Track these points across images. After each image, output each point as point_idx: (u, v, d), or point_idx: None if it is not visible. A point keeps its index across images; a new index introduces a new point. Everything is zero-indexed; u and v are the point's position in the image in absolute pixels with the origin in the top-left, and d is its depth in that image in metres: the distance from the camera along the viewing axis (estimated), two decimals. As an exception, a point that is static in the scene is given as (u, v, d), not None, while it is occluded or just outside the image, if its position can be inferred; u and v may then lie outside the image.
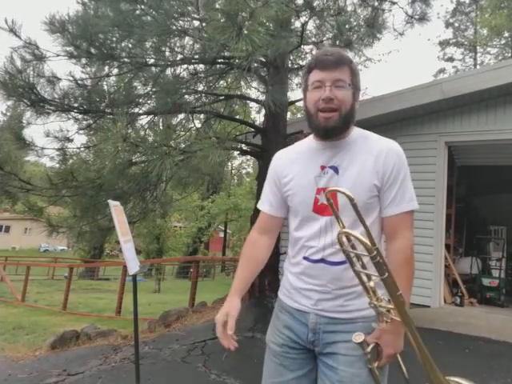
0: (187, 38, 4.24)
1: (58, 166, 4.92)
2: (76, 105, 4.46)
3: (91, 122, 4.69)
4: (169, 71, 4.64)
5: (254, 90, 7.39)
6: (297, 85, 8.09)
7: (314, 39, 5.27)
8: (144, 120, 5.09)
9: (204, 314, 5.30)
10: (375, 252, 0.98)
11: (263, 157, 5.02)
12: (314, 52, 5.43)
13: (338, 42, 4.46)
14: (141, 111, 4.82)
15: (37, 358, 4.23)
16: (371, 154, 1.21)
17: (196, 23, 3.89)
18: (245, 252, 1.40)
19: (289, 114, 5.53)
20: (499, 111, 4.64)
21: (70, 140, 4.77)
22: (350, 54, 5.10)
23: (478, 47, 20.20)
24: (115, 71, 4.68)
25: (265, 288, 4.80)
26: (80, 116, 4.60)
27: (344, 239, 1.07)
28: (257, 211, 1.49)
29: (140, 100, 4.76)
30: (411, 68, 58.25)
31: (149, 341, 4.19)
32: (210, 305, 6.11)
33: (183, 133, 5.73)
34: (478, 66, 19.12)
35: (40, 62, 4.19)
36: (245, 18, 2.65)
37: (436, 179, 4.85)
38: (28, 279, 10.74)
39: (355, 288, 1.18)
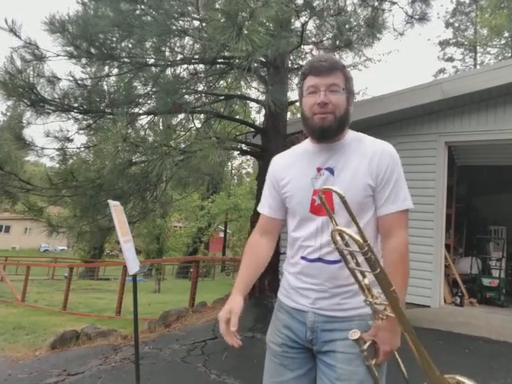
0: (187, 38, 4.24)
1: (58, 165, 4.92)
2: (76, 105, 4.46)
3: (91, 121, 4.69)
4: (169, 71, 4.64)
5: (254, 89, 7.39)
6: (297, 85, 8.08)
7: (314, 39, 5.27)
8: (144, 120, 5.09)
9: (204, 314, 5.30)
10: (366, 248, 1.01)
11: (263, 157, 5.02)
12: (314, 52, 5.44)
13: (337, 42, 4.47)
14: (141, 111, 4.82)
15: (37, 358, 4.23)
16: (365, 156, 1.25)
17: (196, 23, 3.89)
18: (246, 254, 1.42)
19: (289, 114, 5.53)
20: (499, 111, 4.64)
21: (70, 140, 4.77)
22: (350, 54, 5.11)
23: (478, 47, 20.20)
24: (115, 71, 4.68)
25: (265, 288, 4.80)
26: (80, 116, 4.60)
27: (338, 237, 1.10)
28: (257, 211, 1.51)
29: (140, 100, 4.76)
30: (411, 68, 58.36)
31: (149, 341, 4.19)
32: (210, 305, 6.11)
33: (183, 133, 5.73)
34: (478, 66, 19.13)
35: (40, 62, 4.19)
36: (245, 18, 2.65)
37: (436, 179, 4.85)
38: (28, 279, 10.74)
39: (352, 287, 1.20)
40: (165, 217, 15.37)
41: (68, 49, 4.11)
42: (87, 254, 24.33)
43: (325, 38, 5.09)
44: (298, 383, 1.30)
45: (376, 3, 4.88)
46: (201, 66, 4.77)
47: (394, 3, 4.92)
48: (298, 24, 4.50)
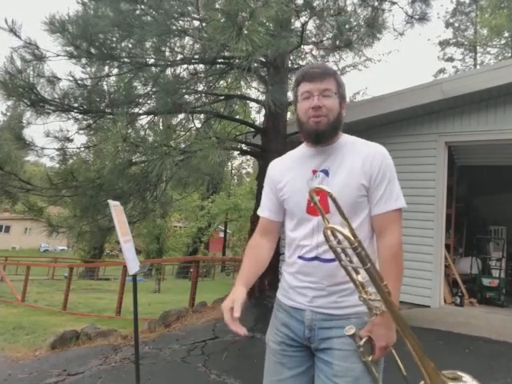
0: (187, 38, 4.24)
1: (58, 165, 4.93)
2: (76, 105, 4.47)
3: (91, 121, 4.69)
4: (169, 71, 4.64)
5: (254, 89, 7.40)
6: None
7: (314, 39, 5.27)
8: (144, 120, 5.10)
9: (204, 314, 5.30)
10: (356, 243, 1.06)
11: (263, 157, 5.02)
12: (314, 52, 5.44)
13: (337, 42, 4.47)
14: (141, 111, 4.83)
15: (37, 358, 4.23)
16: (359, 158, 1.29)
17: (196, 23, 3.90)
18: (247, 254, 1.45)
19: (289, 114, 5.52)
20: (499, 111, 4.64)
21: (70, 140, 4.77)
22: (350, 54, 5.11)
23: (478, 47, 20.19)
24: (115, 71, 4.69)
25: (265, 288, 4.80)
26: (80, 116, 4.60)
27: (331, 236, 1.13)
28: (257, 212, 1.55)
29: (140, 100, 4.76)
30: (411, 68, 58.23)
31: (149, 341, 4.19)
32: (209, 305, 6.10)
33: (183, 133, 5.73)
34: (478, 66, 19.13)
35: (40, 62, 4.19)
36: (245, 18, 2.65)
37: (436, 179, 4.85)
38: (28, 279, 10.74)
39: (349, 285, 1.22)
40: (165, 217, 15.38)
41: (68, 49, 4.11)
42: (87, 254, 24.33)
43: (325, 38, 5.09)
44: (296, 381, 1.32)
45: (376, 3, 4.88)
46: (201, 66, 4.78)
47: (394, 3, 4.92)
48: (298, 24, 4.51)
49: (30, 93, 4.03)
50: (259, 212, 1.50)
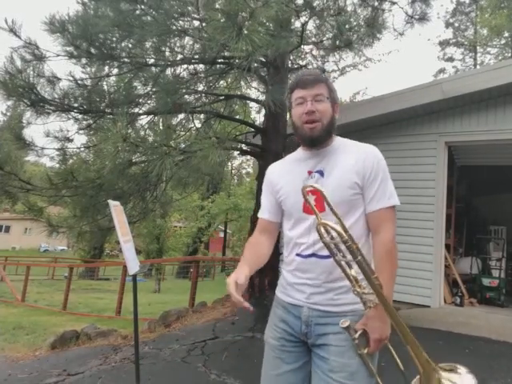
0: (187, 38, 4.24)
1: (58, 165, 4.93)
2: (76, 105, 4.47)
3: (91, 121, 4.69)
4: (169, 71, 4.64)
5: (254, 89, 7.41)
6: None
7: (314, 39, 5.28)
8: (144, 120, 5.10)
9: (204, 314, 5.30)
10: (346, 237, 1.11)
11: (263, 157, 5.02)
12: (314, 52, 5.44)
13: (337, 42, 4.47)
14: (141, 111, 4.82)
15: (37, 357, 4.23)
16: (352, 158, 1.35)
17: (196, 23, 3.90)
18: (247, 248, 1.48)
19: (289, 114, 5.49)
20: (499, 111, 4.64)
21: (70, 140, 4.77)
22: (350, 54, 5.11)
23: (478, 47, 20.18)
24: (115, 71, 4.69)
25: (265, 288, 4.80)
26: (80, 116, 4.60)
27: (324, 232, 1.18)
28: (257, 212, 1.59)
29: (140, 100, 4.76)
30: (411, 68, 58.19)
31: (149, 341, 4.19)
32: (209, 305, 6.10)
33: (183, 133, 5.73)
34: (478, 66, 19.12)
35: (40, 62, 4.19)
36: (245, 18, 2.65)
37: (436, 179, 4.85)
38: (28, 279, 10.74)
39: (345, 282, 1.25)
40: (165, 217, 15.36)
41: (68, 49, 4.11)
42: (87, 254, 24.32)
43: (325, 38, 5.09)
44: (293, 376, 1.36)
45: (376, 3, 4.88)
46: (201, 66, 4.78)
47: (394, 3, 4.92)
48: (298, 24, 4.51)
49: (30, 93, 4.03)
50: (259, 215, 1.55)
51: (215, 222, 23.36)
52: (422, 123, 5.07)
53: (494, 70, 4.64)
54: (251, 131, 5.72)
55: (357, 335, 1.20)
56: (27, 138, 4.47)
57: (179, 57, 4.48)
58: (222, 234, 30.11)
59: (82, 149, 5.15)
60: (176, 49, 4.46)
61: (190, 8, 3.68)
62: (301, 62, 5.86)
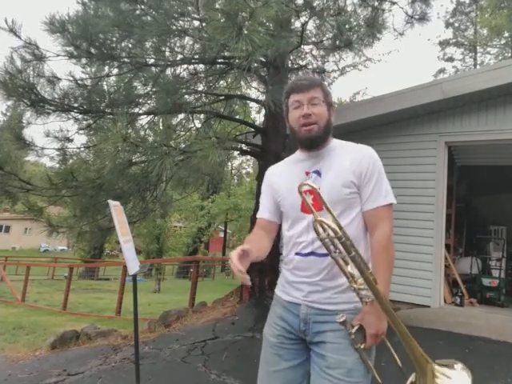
0: (187, 38, 4.24)
1: (58, 165, 4.93)
2: (76, 105, 4.47)
3: (91, 121, 4.69)
4: (169, 71, 4.64)
5: (254, 89, 7.40)
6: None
7: (314, 39, 5.27)
8: (144, 120, 5.10)
9: (204, 314, 5.30)
10: (340, 233, 1.17)
11: (263, 157, 5.02)
12: (314, 52, 5.44)
13: (337, 42, 4.47)
14: (141, 111, 4.83)
15: (37, 358, 4.23)
16: (348, 158, 1.39)
17: (196, 23, 3.90)
18: (248, 240, 1.45)
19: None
20: (499, 111, 4.64)
21: (70, 140, 4.77)
22: (350, 54, 5.11)
23: (478, 47, 20.17)
24: (115, 71, 4.69)
25: (265, 288, 4.80)
26: (80, 116, 4.60)
27: (321, 230, 1.23)
28: (256, 211, 1.61)
29: (140, 100, 4.76)
30: (411, 68, 58.18)
31: (149, 341, 4.19)
32: (209, 305, 6.10)
33: (183, 133, 5.73)
34: (478, 66, 19.11)
35: (40, 62, 4.19)
36: (245, 18, 2.65)
37: (436, 179, 4.85)
38: (28, 279, 10.74)
39: (343, 281, 1.28)
40: (165, 217, 15.35)
41: (68, 49, 4.11)
42: (87, 254, 24.32)
43: (325, 38, 5.09)
44: (292, 372, 1.38)
45: (376, 3, 4.88)
46: (201, 66, 4.78)
47: (394, 3, 4.92)
48: (298, 24, 4.51)
49: (30, 93, 4.03)
50: (259, 215, 1.56)
51: (215, 222, 23.36)
52: (421, 123, 5.06)
53: (493, 69, 4.64)
54: (251, 131, 5.72)
55: (353, 330, 1.23)
56: (27, 137, 4.47)
57: (179, 57, 4.48)
58: (222, 234, 30.12)
59: (82, 149, 5.16)
60: (176, 49, 4.46)
61: (190, 8, 3.68)
62: (301, 62, 5.86)
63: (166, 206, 6.03)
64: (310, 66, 5.75)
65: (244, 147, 5.38)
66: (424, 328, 4.06)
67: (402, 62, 59.36)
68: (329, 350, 1.29)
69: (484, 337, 3.91)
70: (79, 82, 4.45)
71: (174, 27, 3.81)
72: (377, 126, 5.25)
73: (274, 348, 1.41)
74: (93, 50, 4.10)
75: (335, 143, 1.46)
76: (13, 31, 3.94)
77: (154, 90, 4.51)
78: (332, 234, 1.19)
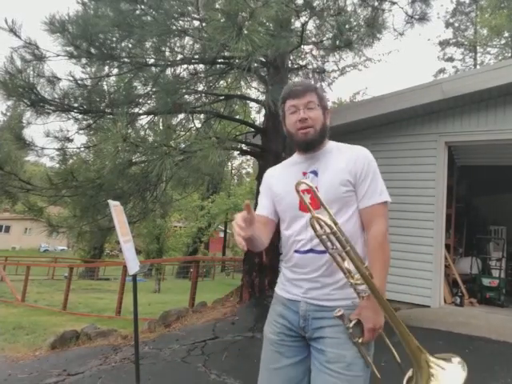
0: (187, 38, 4.24)
1: (58, 165, 4.93)
2: (76, 105, 4.47)
3: (91, 121, 4.69)
4: (169, 71, 4.64)
5: (254, 89, 7.40)
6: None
7: (314, 39, 5.27)
8: (144, 120, 5.10)
9: (204, 314, 5.30)
10: (335, 228, 1.22)
11: (263, 157, 5.02)
12: (314, 52, 5.44)
13: (337, 42, 4.46)
14: (141, 111, 4.82)
15: (37, 357, 4.23)
16: (344, 159, 1.44)
17: (196, 23, 3.90)
18: None
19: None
20: (499, 111, 4.63)
21: (70, 140, 4.77)
22: (350, 54, 5.11)
23: (478, 47, 20.17)
24: (115, 71, 4.69)
25: (265, 288, 4.80)
26: (80, 116, 4.60)
27: (318, 227, 1.27)
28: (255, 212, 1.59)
29: (140, 100, 4.76)
30: (411, 68, 58.15)
31: (149, 341, 4.19)
32: (209, 305, 6.10)
33: (183, 133, 5.73)
34: (478, 66, 19.11)
35: (40, 62, 4.19)
36: (245, 18, 2.65)
37: (436, 179, 4.85)
38: (28, 279, 10.74)
39: (341, 277, 1.32)
40: (165, 217, 15.34)
41: (68, 49, 4.11)
42: (87, 254, 24.31)
43: (325, 38, 5.09)
44: (293, 369, 1.40)
45: (376, 3, 4.88)
46: (201, 66, 4.78)
47: (394, 3, 4.92)
48: (298, 24, 4.51)
49: (30, 93, 4.03)
50: (257, 212, 1.57)
51: (215, 222, 23.37)
52: (421, 123, 5.06)
53: (493, 69, 4.64)
54: (251, 131, 5.72)
55: (351, 324, 1.26)
56: (27, 137, 4.47)
57: (179, 57, 4.48)
58: (222, 234, 30.11)
59: (82, 149, 5.16)
60: (176, 49, 4.46)
61: (190, 8, 3.68)
62: (301, 62, 5.85)
63: (166, 206, 6.03)
64: (310, 66, 5.75)
65: (244, 147, 5.38)
66: (424, 328, 4.06)
67: (402, 62, 59.33)
68: (328, 344, 1.32)
69: (484, 337, 3.91)
70: (79, 82, 4.45)
71: (174, 27, 3.81)
72: (377, 126, 5.25)
73: (275, 345, 1.43)
74: (93, 50, 4.10)
75: (331, 145, 1.51)
76: (13, 31, 3.94)
77: (154, 89, 4.51)
78: (328, 230, 1.23)
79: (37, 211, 4.63)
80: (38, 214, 4.66)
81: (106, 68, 4.67)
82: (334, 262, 1.30)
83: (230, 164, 25.14)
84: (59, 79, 4.33)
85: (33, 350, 4.61)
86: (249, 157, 8.86)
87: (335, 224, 1.23)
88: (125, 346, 4.24)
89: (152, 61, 4.53)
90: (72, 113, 4.51)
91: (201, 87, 5.09)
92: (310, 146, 1.46)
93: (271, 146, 4.94)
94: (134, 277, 3.03)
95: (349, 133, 5.14)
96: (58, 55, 4.16)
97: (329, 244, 1.27)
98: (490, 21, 17.12)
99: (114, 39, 4.23)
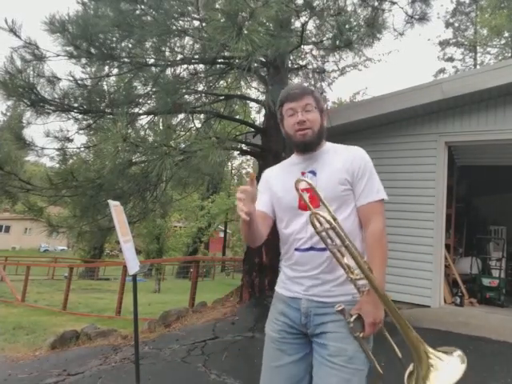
0: (187, 38, 4.24)
1: (58, 165, 4.93)
2: (76, 105, 4.46)
3: (91, 121, 4.69)
4: (169, 71, 4.64)
5: (254, 89, 7.40)
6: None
7: (314, 39, 5.27)
8: (144, 120, 5.09)
9: (204, 314, 5.30)
10: (334, 223, 1.25)
11: (263, 157, 5.02)
12: (314, 52, 5.44)
13: (337, 42, 4.46)
14: (141, 111, 4.82)
15: (37, 357, 4.23)
16: (341, 159, 1.48)
17: (196, 23, 3.90)
18: None
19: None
20: (499, 111, 4.63)
21: (70, 140, 4.77)
22: (350, 54, 5.10)
23: (478, 47, 20.15)
24: (115, 71, 4.68)
25: (265, 288, 4.81)
26: (80, 116, 4.60)
27: (317, 223, 1.31)
28: None
29: (140, 100, 4.76)
30: (411, 68, 58.13)
31: (149, 341, 4.19)
32: (210, 305, 6.10)
33: (183, 133, 5.73)
34: (478, 66, 19.11)
35: (40, 62, 4.19)
36: (245, 18, 2.65)
37: (436, 179, 4.85)
38: (28, 279, 10.74)
39: (340, 273, 1.35)
40: (165, 217, 15.35)
41: (68, 49, 4.11)
42: (87, 254, 24.31)
43: (325, 38, 5.08)
44: (295, 367, 1.42)
45: (376, 3, 4.88)
46: (201, 66, 4.77)
47: (394, 3, 4.92)
48: (298, 24, 4.51)
49: (30, 93, 4.03)
50: (256, 208, 1.54)
51: (215, 221, 23.37)
52: (421, 123, 5.06)
53: (493, 70, 4.64)
54: (251, 131, 5.72)
55: (352, 319, 1.29)
56: (27, 137, 4.47)
57: (179, 57, 4.48)
58: (222, 234, 30.12)
59: (82, 149, 5.16)
60: (176, 49, 4.45)
61: (190, 8, 3.68)
62: (301, 62, 5.85)
63: (166, 206, 6.03)
64: (310, 66, 5.74)
65: (244, 147, 5.38)
66: (424, 328, 4.06)
67: (402, 61, 59.30)
68: (330, 339, 1.35)
69: (484, 337, 3.91)
70: (79, 81, 4.45)
71: (174, 27, 3.81)
72: (377, 126, 5.25)
73: (276, 343, 1.45)
74: (93, 50, 4.10)
75: (328, 146, 1.56)
76: (13, 31, 3.94)
77: (154, 89, 4.51)
78: (327, 225, 1.27)
79: (37, 211, 4.63)
80: (38, 213, 4.66)
81: (106, 68, 4.67)
82: (333, 259, 1.33)
83: (230, 164, 25.18)
84: (59, 79, 4.33)
85: (33, 350, 4.61)
86: (249, 157, 8.86)
87: (334, 219, 1.26)
88: (125, 346, 4.24)
89: (152, 61, 4.53)
90: (72, 113, 4.51)
91: (201, 87, 5.09)
92: (309, 146, 1.49)
93: (271, 145, 4.94)
94: (134, 277, 3.03)
95: (349, 133, 5.14)
96: (58, 55, 4.16)
97: (328, 241, 1.30)
98: (489, 21, 17.11)
99: (114, 39, 4.23)
